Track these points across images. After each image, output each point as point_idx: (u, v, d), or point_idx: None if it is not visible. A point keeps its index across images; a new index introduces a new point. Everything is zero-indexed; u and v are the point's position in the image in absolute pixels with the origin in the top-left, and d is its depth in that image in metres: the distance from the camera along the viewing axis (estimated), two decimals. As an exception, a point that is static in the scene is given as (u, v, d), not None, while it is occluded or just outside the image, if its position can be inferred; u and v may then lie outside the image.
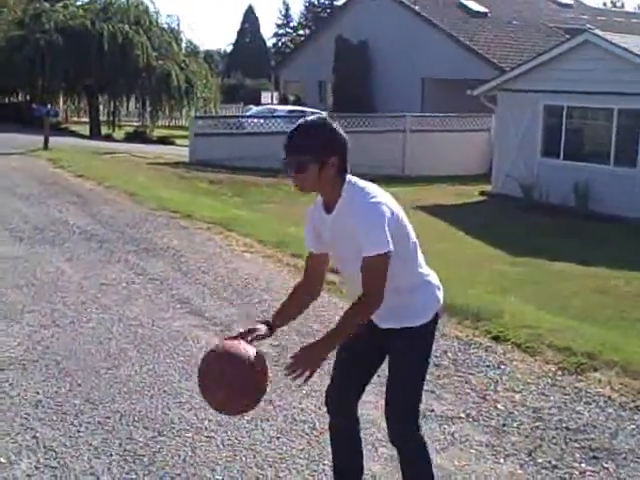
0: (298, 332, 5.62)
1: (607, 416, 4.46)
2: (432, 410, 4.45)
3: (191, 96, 32.19)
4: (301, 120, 2.98)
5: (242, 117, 25.68)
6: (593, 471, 3.86)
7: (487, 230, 14.33)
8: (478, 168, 22.82)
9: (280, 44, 71.36)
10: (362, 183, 2.97)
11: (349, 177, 2.97)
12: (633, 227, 14.87)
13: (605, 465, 3.92)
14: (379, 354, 3.22)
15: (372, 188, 2.95)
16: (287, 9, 76.64)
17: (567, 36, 21.77)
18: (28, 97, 31.55)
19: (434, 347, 3.27)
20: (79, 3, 32.88)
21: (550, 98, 17.77)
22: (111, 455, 3.89)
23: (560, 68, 17.47)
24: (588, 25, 25.61)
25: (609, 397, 4.70)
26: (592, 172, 16.58)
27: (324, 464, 3.79)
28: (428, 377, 3.33)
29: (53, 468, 3.75)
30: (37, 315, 6.07)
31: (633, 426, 4.34)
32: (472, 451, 4.04)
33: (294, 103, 33.96)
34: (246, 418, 4.33)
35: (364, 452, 3.42)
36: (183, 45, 35.49)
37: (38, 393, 4.60)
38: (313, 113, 24.26)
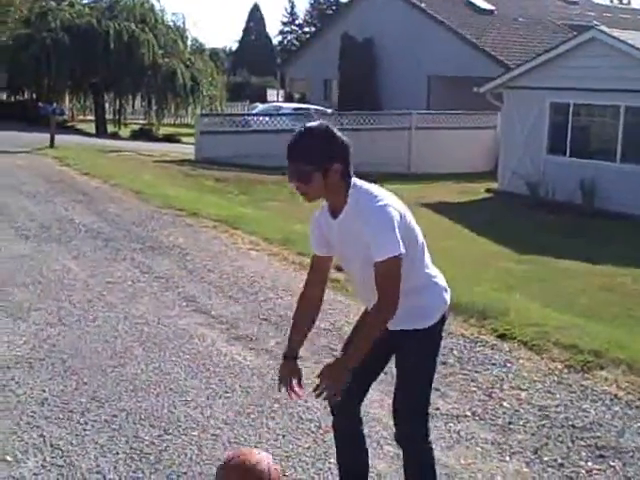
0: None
1: (613, 414, 4.45)
2: (438, 408, 4.45)
3: (197, 94, 32.18)
4: (301, 128, 2.96)
5: (248, 115, 25.70)
6: (599, 469, 3.86)
7: (493, 227, 14.31)
8: (484, 165, 22.76)
9: (286, 42, 71.31)
10: (367, 186, 2.96)
11: (354, 181, 2.96)
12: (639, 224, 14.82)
13: (611, 463, 3.91)
14: (385, 355, 3.21)
15: (377, 191, 2.94)
16: (293, 7, 76.15)
17: (573, 33, 21.63)
18: (34, 95, 31.54)
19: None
20: (85, 1, 32.93)
21: (556, 95, 17.69)
22: (117, 453, 3.90)
23: (566, 65, 17.41)
24: (594, 22, 25.46)
25: (615, 395, 4.69)
26: (598, 169, 16.52)
27: (330, 462, 3.79)
28: (434, 375, 3.33)
29: (59, 466, 3.76)
30: (43, 313, 6.08)
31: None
32: (478, 449, 4.04)
33: (299, 101, 33.94)
34: (252, 416, 4.33)
35: (369, 450, 3.41)
36: (189, 43, 35.42)
37: (44, 391, 4.61)
38: (318, 110, 24.39)
